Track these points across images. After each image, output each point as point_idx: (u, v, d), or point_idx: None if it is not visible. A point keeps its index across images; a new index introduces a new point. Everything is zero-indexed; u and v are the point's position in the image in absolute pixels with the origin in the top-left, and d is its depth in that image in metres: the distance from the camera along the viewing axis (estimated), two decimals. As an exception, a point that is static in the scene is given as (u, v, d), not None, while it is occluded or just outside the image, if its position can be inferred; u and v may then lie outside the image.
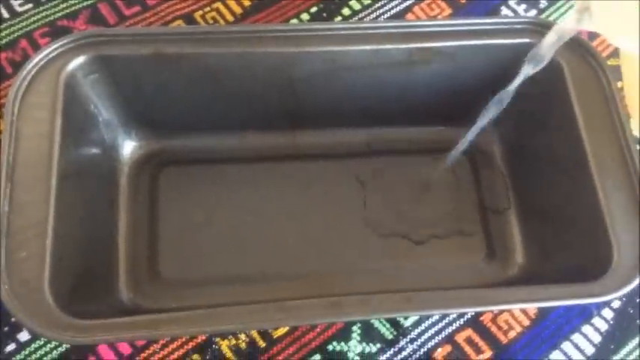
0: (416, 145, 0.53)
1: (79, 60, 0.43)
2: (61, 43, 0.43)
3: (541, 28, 0.46)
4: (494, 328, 0.48)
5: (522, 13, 0.60)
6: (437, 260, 0.50)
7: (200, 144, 0.52)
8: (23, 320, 0.36)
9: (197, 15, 0.58)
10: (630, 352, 0.48)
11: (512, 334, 0.48)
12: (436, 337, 0.48)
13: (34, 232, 0.38)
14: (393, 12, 0.59)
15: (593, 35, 0.55)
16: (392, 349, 0.47)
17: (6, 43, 0.55)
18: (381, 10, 0.59)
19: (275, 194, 0.51)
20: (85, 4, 0.57)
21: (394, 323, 0.48)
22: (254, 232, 0.49)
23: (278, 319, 0.37)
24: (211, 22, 0.58)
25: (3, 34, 0.56)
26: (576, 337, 0.48)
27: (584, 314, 0.49)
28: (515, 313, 0.49)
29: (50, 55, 0.42)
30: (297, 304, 0.37)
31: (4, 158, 0.39)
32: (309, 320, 0.41)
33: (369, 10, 0.59)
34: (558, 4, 0.61)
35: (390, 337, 0.48)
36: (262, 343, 0.47)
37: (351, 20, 0.58)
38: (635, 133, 0.43)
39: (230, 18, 0.58)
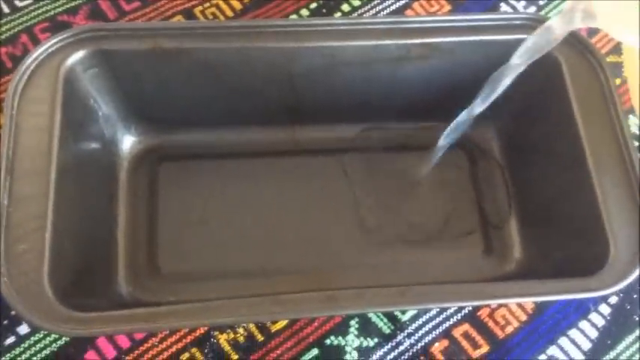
0: (414, 141, 0.53)
1: (79, 54, 0.43)
2: (60, 37, 0.43)
3: (539, 24, 0.46)
4: (491, 323, 0.49)
5: (522, 10, 0.60)
6: (434, 256, 0.50)
7: (199, 139, 0.52)
8: (22, 313, 0.36)
9: (197, 10, 0.58)
10: (627, 348, 0.48)
11: (509, 329, 0.48)
12: (433, 332, 0.48)
13: (34, 225, 0.38)
14: (392, 8, 0.59)
15: (592, 32, 0.55)
16: (389, 344, 0.47)
17: (6, 38, 0.55)
18: (380, 7, 0.59)
19: (274, 189, 0.51)
20: (85, -1, 0.58)
21: (391, 318, 0.48)
22: (253, 227, 0.50)
23: (274, 312, 0.37)
24: (211, 17, 0.58)
25: (3, 28, 0.56)
26: (573, 332, 0.49)
27: (582, 310, 0.49)
28: (513, 308, 0.49)
29: (50, 50, 0.43)
30: (294, 297, 0.38)
31: (3, 152, 0.39)
32: (305, 313, 0.41)
33: (369, 7, 0.59)
34: (557, 1, 0.61)
35: (388, 331, 0.48)
36: (260, 337, 0.47)
37: (350, 16, 0.58)
38: (634, 129, 0.43)
39: (230, 14, 0.58)
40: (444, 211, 0.51)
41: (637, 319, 0.49)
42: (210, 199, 0.50)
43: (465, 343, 0.48)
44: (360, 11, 0.59)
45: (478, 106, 0.43)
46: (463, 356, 0.47)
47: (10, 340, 0.46)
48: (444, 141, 0.47)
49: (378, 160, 0.53)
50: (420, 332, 0.48)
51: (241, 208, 0.50)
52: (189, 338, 0.47)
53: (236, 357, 0.46)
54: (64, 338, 0.46)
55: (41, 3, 0.57)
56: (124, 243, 0.48)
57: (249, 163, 0.52)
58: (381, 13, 0.59)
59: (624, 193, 0.42)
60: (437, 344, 0.48)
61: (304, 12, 0.59)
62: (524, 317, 0.49)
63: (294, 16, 0.58)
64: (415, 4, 0.60)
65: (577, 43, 0.45)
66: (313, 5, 0.59)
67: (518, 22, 0.46)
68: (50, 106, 0.41)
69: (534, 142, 0.50)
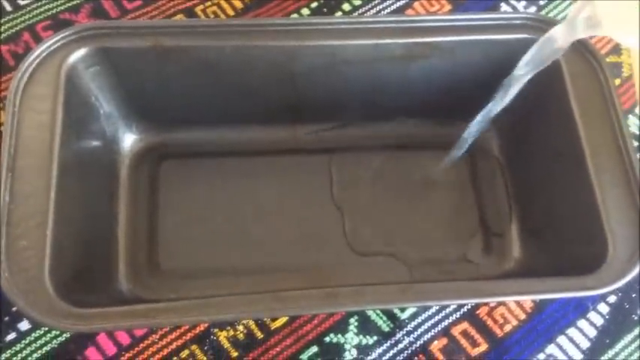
0: (414, 140, 0.53)
1: (81, 52, 0.43)
2: (62, 35, 0.43)
3: (540, 24, 0.46)
4: (490, 322, 0.49)
5: (522, 10, 0.60)
6: (435, 255, 0.50)
7: (200, 137, 0.52)
8: (23, 308, 0.36)
9: (198, 9, 0.58)
10: (625, 347, 0.48)
11: (508, 328, 0.49)
12: (432, 330, 0.48)
13: (35, 222, 0.38)
14: (392, 8, 0.60)
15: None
16: (388, 342, 0.48)
17: (8, 36, 0.56)
18: (381, 6, 0.60)
19: (274, 187, 0.51)
20: (87, -3, 0.58)
21: (391, 316, 0.48)
22: (253, 225, 0.50)
23: (274, 308, 0.37)
24: (212, 16, 0.58)
25: (5, 27, 0.56)
26: (572, 331, 0.49)
27: (580, 308, 0.50)
28: (512, 307, 0.49)
29: (52, 48, 0.43)
30: (293, 294, 0.38)
31: (5, 149, 0.39)
32: (304, 310, 0.41)
33: (369, 6, 0.59)
34: (557, 1, 0.61)
35: (387, 329, 0.48)
36: (260, 335, 0.47)
37: (351, 15, 0.59)
38: (633, 129, 0.44)
39: (231, 12, 0.58)
40: (445, 211, 0.51)
41: (636, 318, 0.49)
42: (210, 197, 0.50)
43: (463, 342, 0.48)
44: (360, 10, 0.59)
45: (495, 108, 0.43)
46: (462, 354, 0.48)
47: (11, 336, 0.46)
48: (457, 150, 0.48)
49: (379, 160, 0.53)
50: (419, 330, 0.48)
51: (242, 206, 0.50)
52: (189, 335, 0.47)
53: (236, 354, 0.47)
54: (64, 335, 0.46)
55: (43, 1, 0.57)
56: (125, 240, 0.48)
57: (250, 161, 0.52)
58: (382, 12, 0.59)
59: (623, 192, 0.42)
60: (436, 342, 0.48)
61: (305, 11, 0.59)
62: (523, 316, 0.49)
63: (295, 15, 0.58)
64: (416, 4, 0.60)
65: (577, 43, 0.45)
66: (314, 4, 0.59)
67: (518, 22, 0.46)
68: (52, 104, 0.41)
69: (534, 142, 0.50)
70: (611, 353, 0.48)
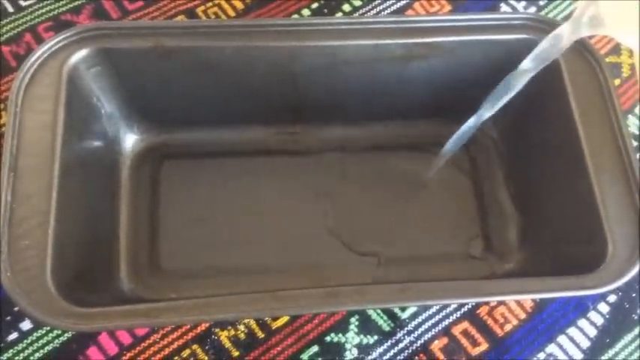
0: (415, 140, 0.53)
1: (82, 53, 0.43)
2: (63, 36, 0.43)
3: (540, 24, 0.46)
4: (490, 321, 0.49)
5: (522, 10, 0.60)
6: (435, 255, 0.50)
7: (201, 137, 0.52)
8: (25, 308, 0.37)
9: (199, 10, 0.58)
10: (626, 346, 0.49)
11: (508, 327, 0.49)
12: (433, 330, 0.48)
13: (37, 221, 0.38)
14: (393, 8, 0.60)
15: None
16: (389, 341, 0.48)
17: (10, 37, 0.56)
18: (381, 7, 0.60)
19: (275, 188, 0.51)
20: (88, -2, 0.58)
21: (391, 315, 0.48)
22: (254, 225, 0.50)
23: (275, 308, 0.38)
24: (213, 17, 0.58)
25: (7, 27, 0.56)
26: (572, 330, 0.49)
27: (581, 308, 0.50)
28: (512, 307, 0.49)
29: (53, 48, 0.43)
30: (294, 293, 0.38)
31: (7, 149, 0.40)
32: (305, 310, 0.41)
33: (370, 7, 0.60)
34: (557, 1, 0.61)
35: (388, 329, 0.48)
36: (261, 334, 0.47)
37: (351, 15, 0.59)
38: (632, 129, 0.44)
39: (232, 13, 0.59)
40: (446, 212, 0.51)
41: (636, 317, 0.49)
42: (211, 197, 0.51)
43: (464, 341, 0.48)
44: (361, 11, 0.59)
45: (487, 112, 0.43)
46: (462, 354, 0.48)
47: (13, 336, 0.46)
48: (450, 146, 0.48)
49: (379, 160, 0.53)
50: (420, 330, 0.48)
51: (242, 206, 0.50)
52: (190, 335, 0.47)
53: (237, 353, 0.47)
54: (66, 334, 0.46)
55: (45, 2, 0.58)
56: (126, 240, 0.48)
57: (251, 161, 0.52)
58: (382, 13, 0.59)
59: (623, 191, 0.42)
60: (436, 342, 0.48)
61: (305, 12, 0.59)
62: (523, 315, 0.49)
63: (295, 16, 0.58)
64: (416, 4, 0.60)
65: (576, 43, 0.45)
66: (315, 5, 0.59)
67: (518, 22, 0.47)
68: (53, 104, 0.41)
69: (534, 141, 0.50)
70: (611, 353, 0.48)
